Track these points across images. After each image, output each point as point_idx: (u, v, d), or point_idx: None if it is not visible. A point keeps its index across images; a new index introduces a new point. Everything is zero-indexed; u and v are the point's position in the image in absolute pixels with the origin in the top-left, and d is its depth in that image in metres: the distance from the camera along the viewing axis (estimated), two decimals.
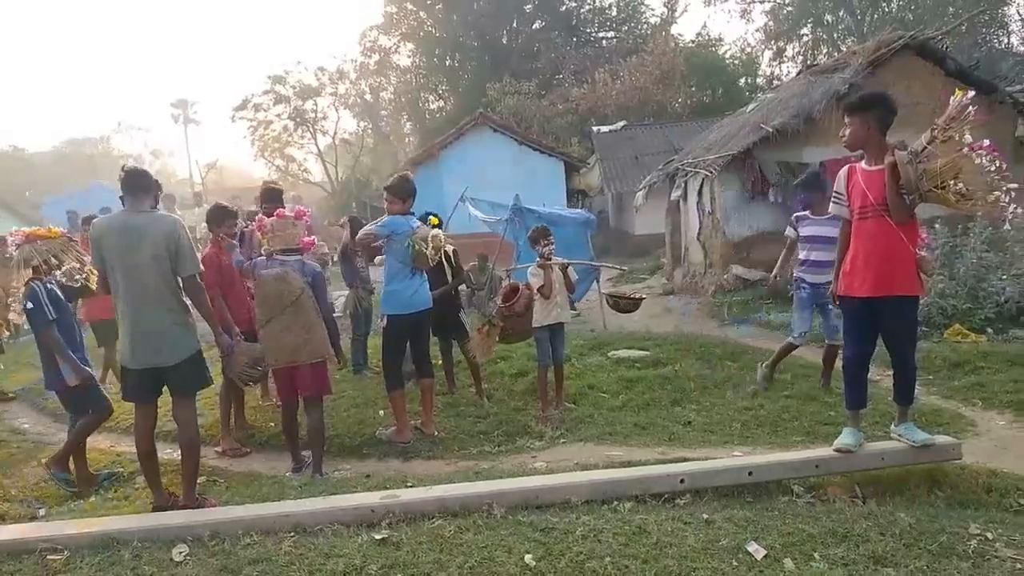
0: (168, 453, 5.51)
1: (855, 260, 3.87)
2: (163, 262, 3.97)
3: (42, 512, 4.61)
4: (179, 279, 4.07)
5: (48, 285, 4.88)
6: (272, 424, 6.12)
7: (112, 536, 3.38)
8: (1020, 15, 30.81)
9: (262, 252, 5.04)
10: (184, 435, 4.21)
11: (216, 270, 5.57)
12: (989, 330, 7.68)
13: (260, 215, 5.21)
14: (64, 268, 4.83)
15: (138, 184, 4.12)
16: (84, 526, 3.57)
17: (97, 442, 6.11)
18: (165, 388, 4.19)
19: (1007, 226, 3.87)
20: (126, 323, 4.00)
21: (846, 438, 3.95)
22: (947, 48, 11.86)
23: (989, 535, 3.15)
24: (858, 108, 3.82)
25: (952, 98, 3.57)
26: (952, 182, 3.49)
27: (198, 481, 4.38)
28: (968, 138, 3.50)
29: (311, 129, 42.53)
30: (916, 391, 5.68)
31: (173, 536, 3.37)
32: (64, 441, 5.36)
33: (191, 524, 3.48)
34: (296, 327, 4.75)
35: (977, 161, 3.47)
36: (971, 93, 3.56)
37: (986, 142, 3.49)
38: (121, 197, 4.36)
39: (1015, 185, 3.50)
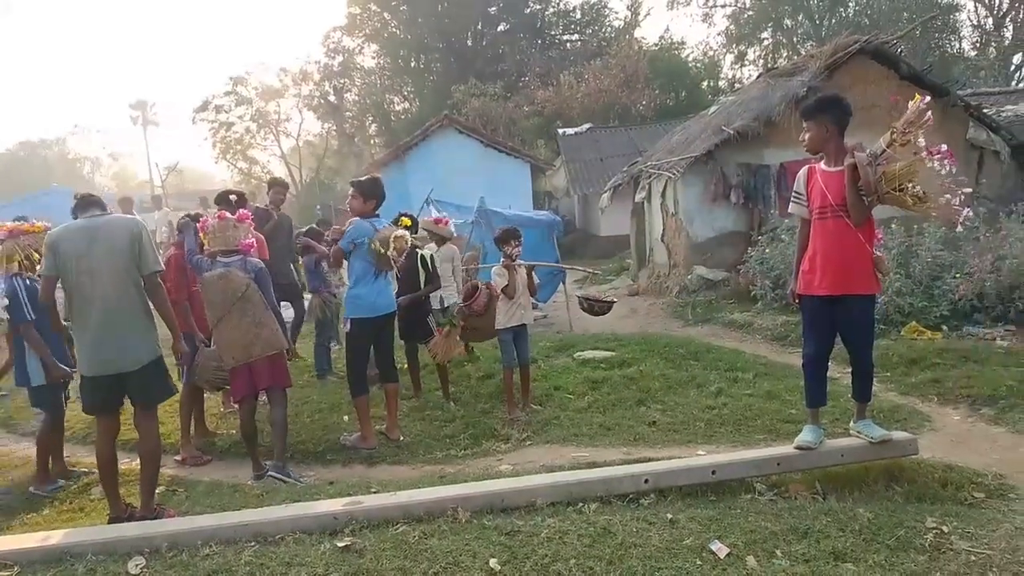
0: (126, 462, 5.39)
1: (814, 259, 3.94)
2: (126, 260, 3.94)
3: None
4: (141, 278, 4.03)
5: (28, 281, 4.87)
6: (234, 431, 6.01)
7: (65, 549, 3.27)
8: (971, 21, 31.76)
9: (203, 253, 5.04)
10: (145, 445, 4.13)
11: (180, 272, 5.50)
12: (944, 327, 7.88)
13: (204, 217, 5.16)
14: None
15: (91, 200, 4.18)
16: (36, 540, 3.45)
17: None
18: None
19: (959, 228, 3.95)
20: (88, 327, 3.91)
21: (806, 435, 4.01)
22: (901, 52, 12.16)
23: (945, 528, 3.22)
24: (815, 111, 3.90)
25: (911, 103, 3.65)
26: (909, 185, 3.58)
27: (157, 491, 4.29)
28: (922, 142, 3.58)
29: (274, 131, 42.06)
30: (874, 388, 5.81)
31: (129, 548, 3.27)
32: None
33: (148, 535, 3.38)
34: (245, 323, 4.75)
35: (932, 165, 3.56)
36: (928, 98, 3.65)
37: (943, 147, 3.57)
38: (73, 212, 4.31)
39: (968, 189, 3.60)
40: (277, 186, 8.34)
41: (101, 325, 3.90)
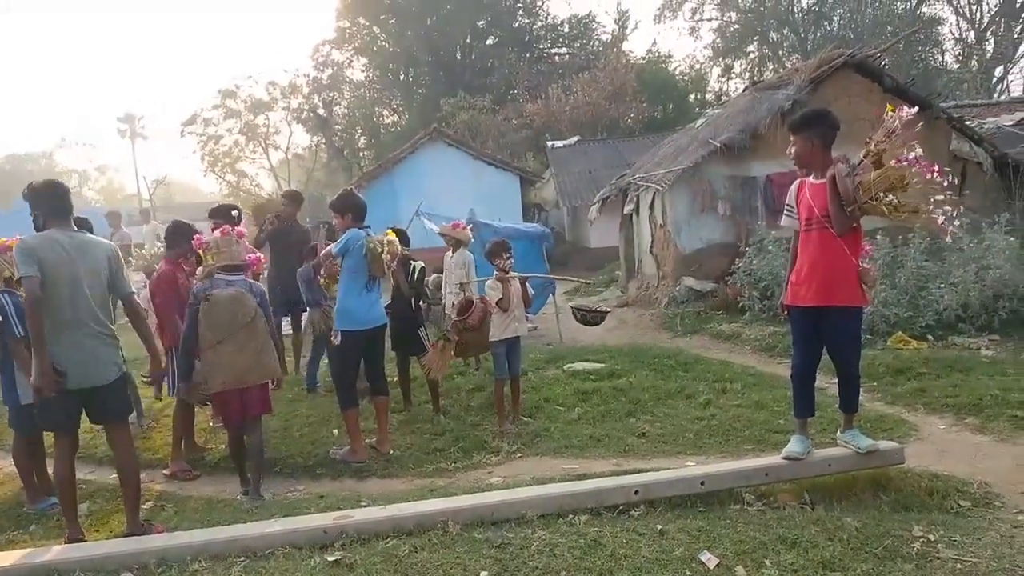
0: (113, 479, 5.35)
1: (800, 270, 3.99)
2: (103, 280, 3.96)
3: None
4: (118, 299, 4.11)
5: (16, 297, 4.77)
6: (223, 447, 5.98)
7: (53, 567, 3.25)
8: (953, 34, 32.26)
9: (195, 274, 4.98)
10: (123, 461, 4.11)
11: (172, 288, 5.48)
12: (930, 337, 7.95)
13: (199, 235, 5.11)
14: None
15: (66, 206, 4.02)
16: (22, 558, 3.43)
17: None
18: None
19: (948, 238, 4.02)
20: (62, 340, 3.82)
21: (794, 446, 4.04)
22: (885, 65, 12.31)
23: (932, 537, 3.25)
24: (801, 126, 3.97)
25: (885, 114, 3.72)
26: (882, 194, 3.64)
27: (145, 506, 4.27)
28: (918, 152, 3.64)
29: (263, 144, 42.01)
30: (861, 397, 5.84)
31: (117, 565, 3.25)
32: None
33: (136, 552, 3.37)
34: (249, 349, 4.63)
35: (901, 174, 3.62)
36: (907, 110, 3.71)
37: (911, 155, 3.63)
38: (34, 215, 4.07)
39: (940, 196, 3.66)
40: (287, 199, 8.34)
41: (77, 339, 3.86)
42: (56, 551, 3.52)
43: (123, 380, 4.10)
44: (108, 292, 4.02)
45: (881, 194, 3.61)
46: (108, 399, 3.99)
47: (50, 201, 3.99)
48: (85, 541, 3.90)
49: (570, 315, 7.39)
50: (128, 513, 4.08)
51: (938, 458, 4.67)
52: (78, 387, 3.89)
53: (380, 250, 5.37)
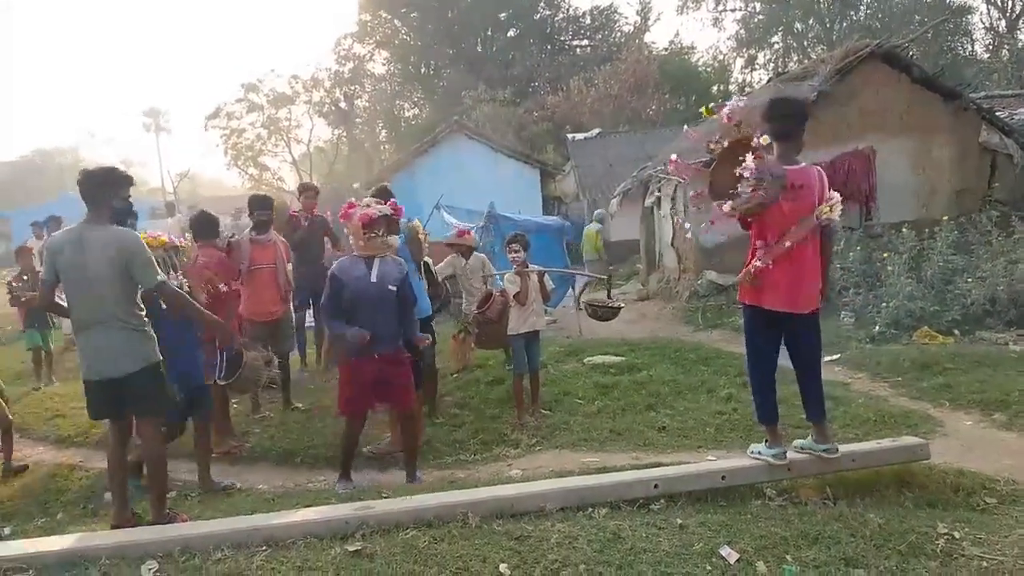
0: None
1: None
2: (118, 275, 3.84)
3: (7, 531, 4.51)
4: (142, 290, 3.97)
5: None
6: (245, 437, 6.06)
7: (79, 553, 3.31)
8: (983, 23, 31.64)
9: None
10: (148, 452, 4.12)
11: (225, 271, 5.61)
12: (956, 332, 7.82)
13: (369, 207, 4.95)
14: None
15: (96, 196, 3.94)
16: (50, 544, 3.50)
17: (66, 457, 6.01)
18: None
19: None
20: (82, 336, 3.92)
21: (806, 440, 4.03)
22: (913, 55, 12.10)
23: (956, 534, 3.20)
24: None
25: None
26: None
27: (170, 495, 4.32)
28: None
29: (285, 137, 42.27)
30: (886, 392, 5.79)
31: (142, 552, 3.30)
32: None
33: (161, 540, 3.41)
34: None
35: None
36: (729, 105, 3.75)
37: (673, 156, 3.86)
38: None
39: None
40: (308, 191, 8.40)
41: (90, 332, 3.89)
42: (82, 538, 3.58)
43: (146, 374, 3.94)
44: (129, 285, 3.89)
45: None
46: (128, 392, 3.92)
47: (81, 190, 3.96)
48: (134, 526, 3.93)
49: (585, 309, 7.38)
50: (153, 503, 4.12)
51: (964, 454, 4.59)
52: (98, 378, 3.92)
53: (418, 231, 5.50)
